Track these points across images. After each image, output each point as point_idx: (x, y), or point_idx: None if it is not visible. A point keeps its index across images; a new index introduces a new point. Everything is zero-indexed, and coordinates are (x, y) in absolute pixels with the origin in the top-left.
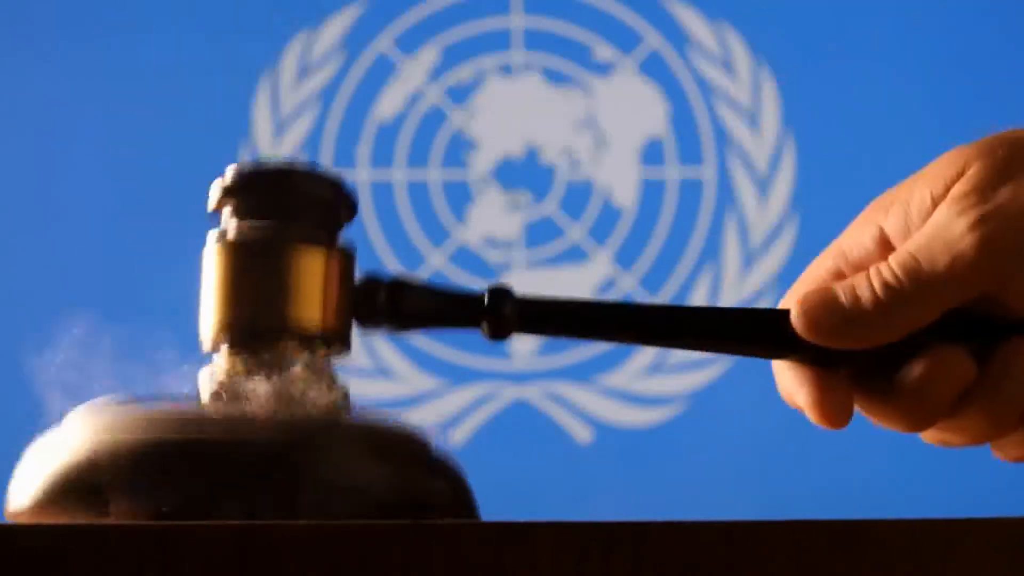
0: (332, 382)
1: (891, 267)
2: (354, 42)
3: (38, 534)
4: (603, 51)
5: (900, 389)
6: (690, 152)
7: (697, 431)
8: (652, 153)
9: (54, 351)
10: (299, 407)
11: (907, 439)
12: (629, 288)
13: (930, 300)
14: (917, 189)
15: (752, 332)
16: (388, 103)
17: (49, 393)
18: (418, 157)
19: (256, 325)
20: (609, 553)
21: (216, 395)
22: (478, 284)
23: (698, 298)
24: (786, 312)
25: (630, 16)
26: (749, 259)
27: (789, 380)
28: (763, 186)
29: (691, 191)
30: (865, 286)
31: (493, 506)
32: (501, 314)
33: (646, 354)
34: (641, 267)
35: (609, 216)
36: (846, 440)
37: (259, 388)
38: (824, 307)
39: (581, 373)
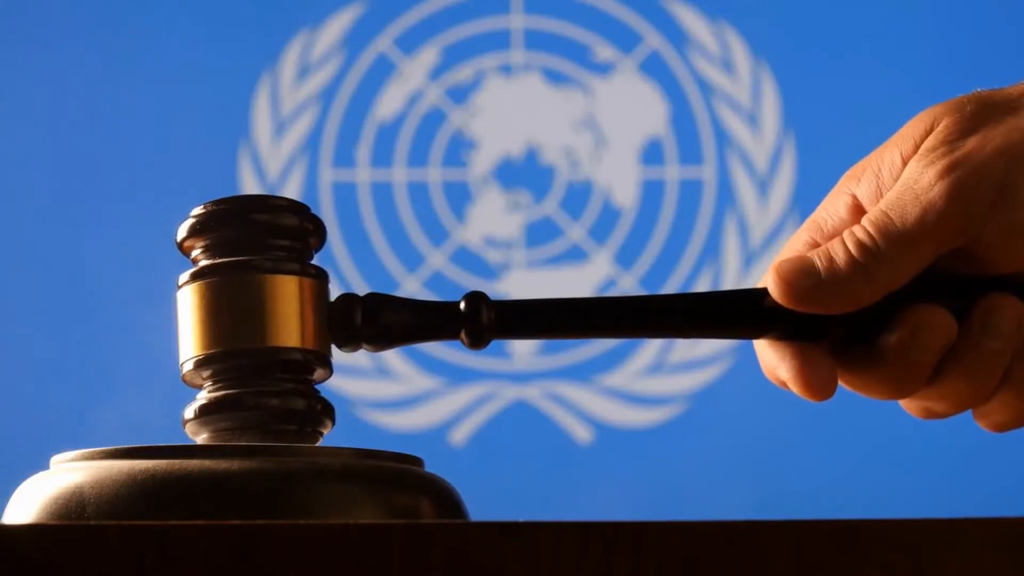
0: (316, 403)
1: (863, 227)
2: (354, 42)
3: (38, 534)
4: (603, 51)
5: (882, 354)
6: (690, 152)
7: (697, 431)
8: (652, 153)
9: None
10: (284, 432)
11: (907, 439)
12: (629, 288)
13: (905, 255)
14: (887, 153)
15: (730, 313)
16: (388, 103)
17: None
18: (418, 157)
19: (236, 356)
20: (609, 553)
21: (199, 424)
22: (478, 284)
23: None
24: (762, 290)
25: (630, 16)
26: (749, 259)
27: (771, 355)
28: (763, 186)
29: (691, 191)
30: (840, 248)
31: (493, 506)
32: (479, 321)
33: (646, 354)
34: (641, 267)
35: (609, 216)
36: (846, 440)
37: (242, 417)
38: (801, 272)
39: (581, 373)
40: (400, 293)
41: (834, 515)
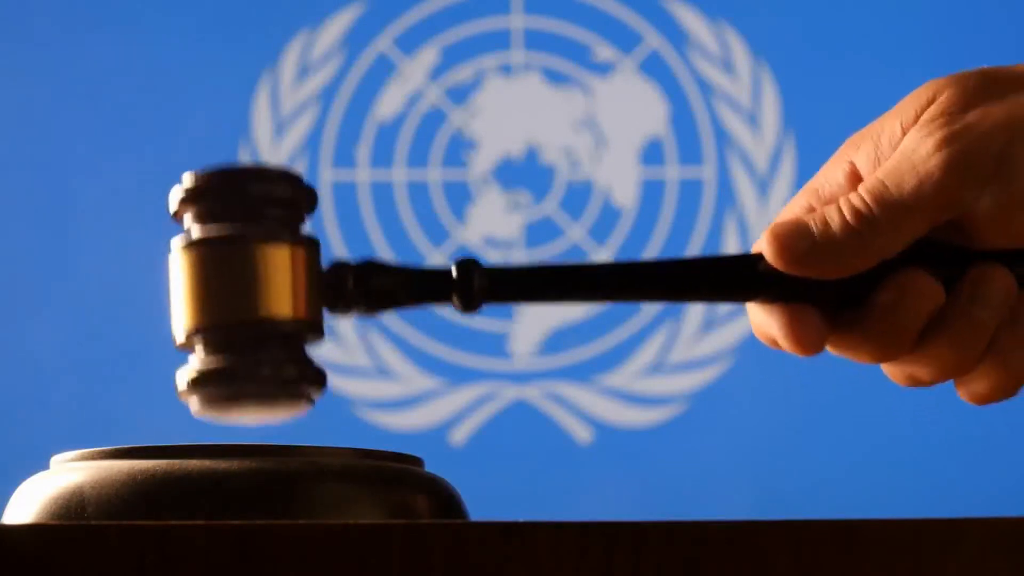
0: (308, 371)
1: (860, 194)
2: (354, 42)
3: (38, 534)
4: (603, 51)
5: (869, 316)
6: (690, 152)
7: (697, 431)
8: (652, 153)
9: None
10: (277, 399)
11: (907, 439)
12: None
13: (900, 223)
14: (887, 122)
15: (723, 277)
16: (388, 103)
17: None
18: (418, 157)
19: (228, 322)
20: (609, 553)
21: (192, 388)
22: None
23: None
24: (755, 255)
25: (630, 16)
26: None
27: (761, 315)
28: (763, 186)
29: (691, 191)
30: (835, 213)
31: (493, 506)
32: (470, 286)
33: (646, 354)
34: None
35: (609, 216)
36: (846, 440)
37: (236, 382)
38: (796, 234)
39: (581, 373)
40: None
41: (834, 515)
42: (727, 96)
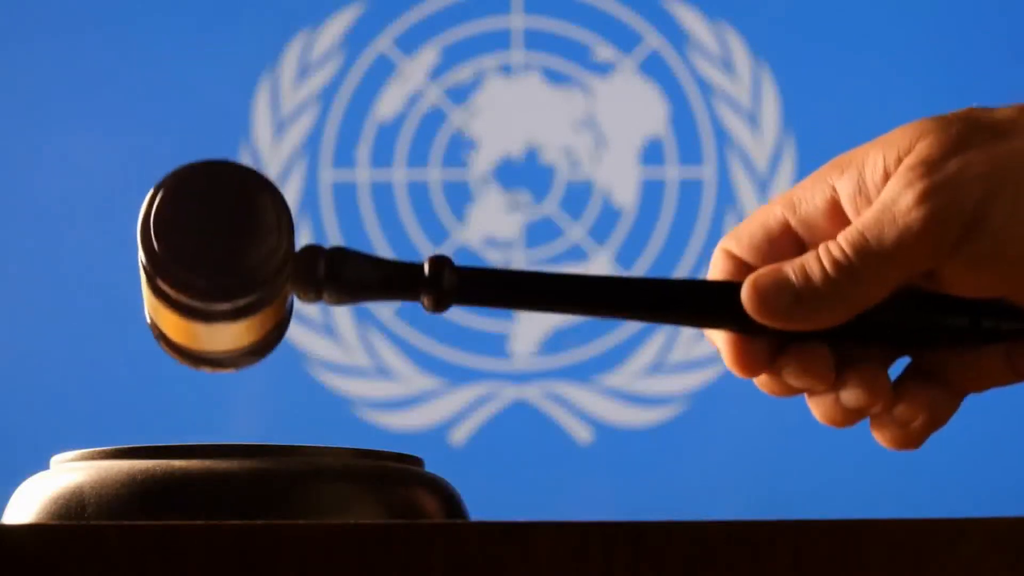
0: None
1: (840, 245)
2: (354, 42)
3: (38, 534)
4: (603, 51)
5: (814, 380)
6: (690, 152)
7: (697, 431)
8: (652, 153)
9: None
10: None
11: None
12: None
13: (880, 276)
14: (872, 154)
15: (696, 306)
16: (388, 103)
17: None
18: (418, 157)
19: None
20: (609, 553)
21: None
22: None
23: None
24: (729, 286)
25: (630, 16)
26: None
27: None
28: (763, 186)
29: (691, 191)
30: (815, 265)
31: (493, 506)
32: (441, 285)
33: (646, 354)
34: (641, 267)
35: (609, 216)
36: (846, 440)
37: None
38: (776, 289)
39: (581, 373)
40: None
41: (834, 515)
42: (727, 96)
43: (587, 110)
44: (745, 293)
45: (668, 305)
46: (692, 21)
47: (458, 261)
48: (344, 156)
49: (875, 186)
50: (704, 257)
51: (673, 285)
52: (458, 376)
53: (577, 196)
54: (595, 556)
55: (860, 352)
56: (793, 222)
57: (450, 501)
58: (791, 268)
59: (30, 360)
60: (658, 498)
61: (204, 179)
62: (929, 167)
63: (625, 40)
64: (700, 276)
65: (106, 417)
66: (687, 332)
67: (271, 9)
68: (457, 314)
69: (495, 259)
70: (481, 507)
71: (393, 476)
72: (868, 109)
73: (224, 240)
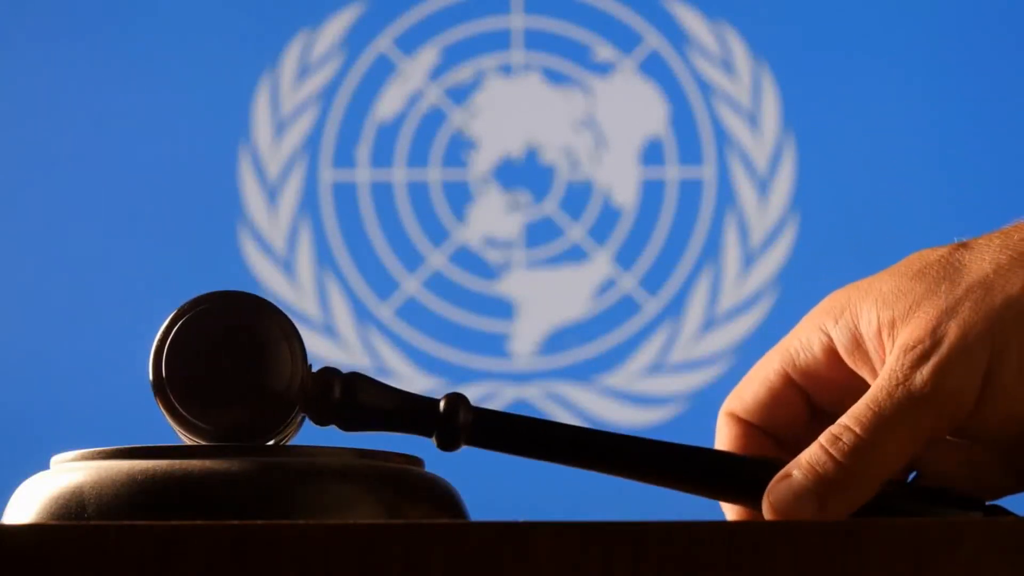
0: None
1: (849, 427)
2: (354, 42)
3: (38, 534)
4: (603, 51)
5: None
6: (690, 152)
7: (697, 431)
8: (652, 153)
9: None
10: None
11: None
12: (629, 288)
13: (896, 451)
14: (865, 308)
15: (709, 479)
16: (388, 103)
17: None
18: (418, 157)
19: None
20: (609, 553)
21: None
22: (478, 284)
23: (698, 298)
24: (752, 463)
25: (630, 16)
26: (749, 259)
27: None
28: (763, 186)
29: (691, 191)
30: (824, 456)
31: (493, 506)
32: (454, 424)
33: (646, 354)
34: (641, 267)
35: (609, 216)
36: None
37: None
38: (794, 499)
39: (581, 373)
40: (400, 293)
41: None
42: (727, 96)
43: (587, 110)
44: (765, 508)
45: (684, 474)
46: (692, 21)
47: (458, 261)
48: (344, 156)
49: (871, 342)
50: (704, 257)
51: (693, 453)
52: (458, 376)
53: (577, 196)
54: (595, 556)
55: None
56: (794, 374)
57: (450, 501)
58: (800, 472)
59: (30, 360)
60: (658, 498)
61: (216, 313)
62: (931, 338)
63: (625, 40)
64: (700, 277)
65: (106, 417)
66: (687, 332)
67: (271, 9)
68: (457, 314)
69: (495, 259)
70: (481, 507)
71: (393, 476)
72: (868, 109)
73: (233, 389)
